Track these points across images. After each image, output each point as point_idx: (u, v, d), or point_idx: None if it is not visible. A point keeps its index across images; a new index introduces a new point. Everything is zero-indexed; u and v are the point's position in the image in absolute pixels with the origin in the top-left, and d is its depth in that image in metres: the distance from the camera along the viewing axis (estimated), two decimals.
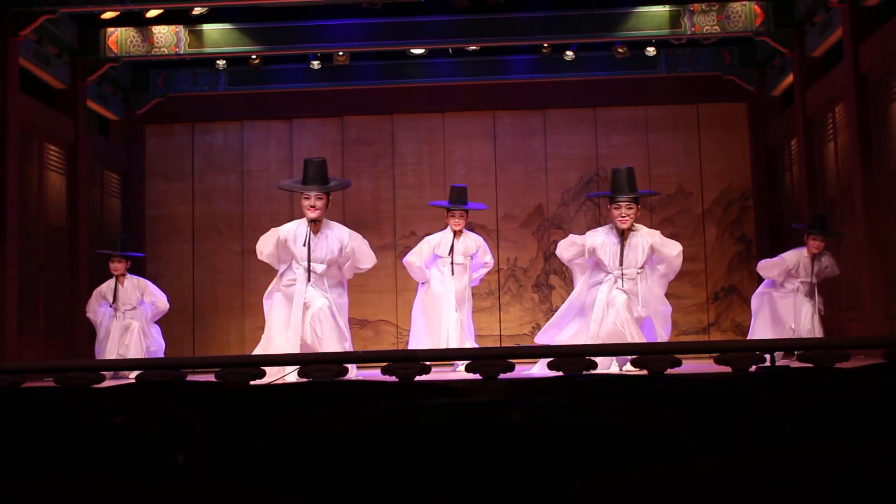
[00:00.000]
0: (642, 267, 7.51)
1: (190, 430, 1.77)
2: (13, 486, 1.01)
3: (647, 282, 7.54)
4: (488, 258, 8.95)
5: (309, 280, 7.20)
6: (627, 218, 7.50)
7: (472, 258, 8.76)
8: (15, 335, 9.17)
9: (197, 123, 12.53)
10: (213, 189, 12.43)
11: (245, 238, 12.01)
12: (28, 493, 1.01)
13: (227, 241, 12.31)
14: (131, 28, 10.99)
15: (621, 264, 7.45)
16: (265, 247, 7.40)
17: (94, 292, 9.67)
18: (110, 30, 10.99)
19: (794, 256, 8.75)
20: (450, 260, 8.63)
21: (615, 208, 7.55)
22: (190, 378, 5.13)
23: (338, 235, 7.38)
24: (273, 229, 7.47)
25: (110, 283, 9.57)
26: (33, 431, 1.84)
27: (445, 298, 8.53)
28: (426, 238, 8.88)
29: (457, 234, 8.71)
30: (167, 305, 9.78)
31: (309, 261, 7.21)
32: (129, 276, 9.58)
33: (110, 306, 9.47)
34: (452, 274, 8.60)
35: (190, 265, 12.29)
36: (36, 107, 10.19)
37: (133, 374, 6.30)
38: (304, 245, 7.24)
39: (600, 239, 7.57)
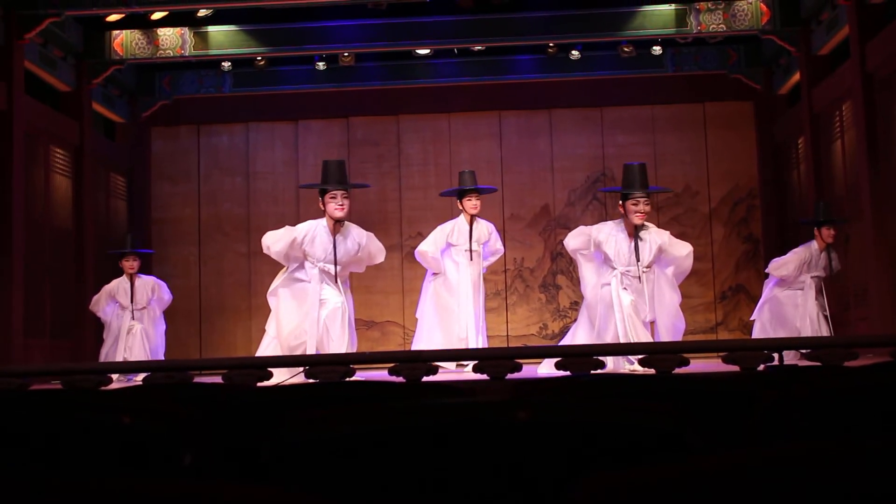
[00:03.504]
0: (649, 266, 7.38)
1: (197, 432, 1.77)
2: (22, 487, 1.00)
3: (656, 285, 7.40)
4: (499, 245, 8.80)
5: (322, 280, 7.17)
6: (644, 213, 7.37)
7: (483, 246, 8.57)
8: (21, 338, 9.18)
9: (202, 125, 12.54)
10: (219, 191, 12.44)
11: (251, 240, 12.00)
12: (36, 495, 1.01)
13: (234, 242, 12.31)
14: (136, 30, 11.00)
15: (638, 260, 7.30)
16: (276, 244, 7.25)
17: (104, 290, 9.59)
18: (115, 32, 11.01)
19: (805, 251, 8.75)
20: (466, 247, 8.39)
21: (632, 204, 7.34)
22: (197, 380, 5.13)
23: (355, 236, 7.37)
24: (287, 228, 7.36)
25: (122, 282, 9.52)
26: (40, 434, 1.83)
27: (463, 287, 8.32)
28: (439, 227, 8.64)
29: (472, 220, 8.49)
30: (171, 297, 9.86)
31: (336, 262, 7.16)
32: (139, 275, 9.59)
33: (122, 307, 9.42)
34: (471, 260, 8.37)
35: (196, 267, 12.30)
36: (41, 110, 10.20)
37: (140, 377, 6.30)
38: (331, 246, 7.16)
39: (607, 233, 7.41)
